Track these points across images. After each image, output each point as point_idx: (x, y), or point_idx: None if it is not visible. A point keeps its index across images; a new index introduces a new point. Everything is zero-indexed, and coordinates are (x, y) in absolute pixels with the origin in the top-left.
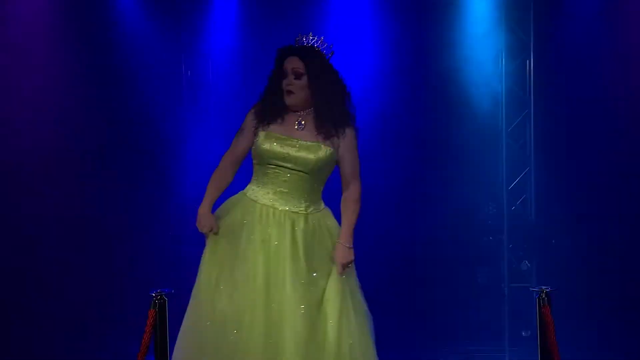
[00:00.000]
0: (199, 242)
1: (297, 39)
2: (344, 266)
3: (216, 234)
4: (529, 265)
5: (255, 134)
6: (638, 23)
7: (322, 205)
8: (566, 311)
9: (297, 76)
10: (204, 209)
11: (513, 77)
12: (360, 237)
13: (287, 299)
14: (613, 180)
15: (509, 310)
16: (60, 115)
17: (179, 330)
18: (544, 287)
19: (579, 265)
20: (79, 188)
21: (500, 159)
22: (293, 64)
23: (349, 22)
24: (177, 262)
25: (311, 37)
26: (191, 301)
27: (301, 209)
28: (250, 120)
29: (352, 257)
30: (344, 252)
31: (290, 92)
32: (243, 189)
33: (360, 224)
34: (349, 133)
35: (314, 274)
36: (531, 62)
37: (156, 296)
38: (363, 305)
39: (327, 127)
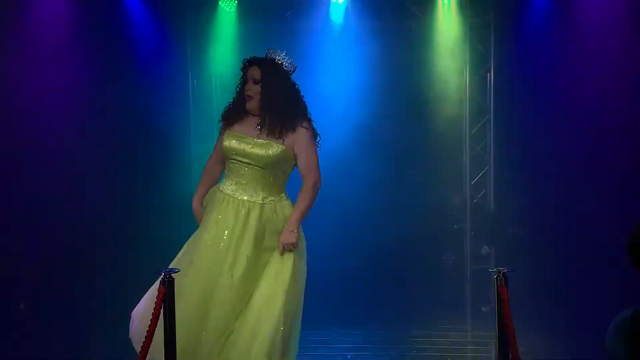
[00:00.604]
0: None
1: (267, 52)
2: (285, 246)
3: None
4: (488, 250)
5: (224, 134)
6: (582, 43)
7: (283, 196)
8: (520, 289)
9: (255, 82)
10: (194, 203)
11: (475, 88)
12: (347, 226)
13: (226, 270)
14: (561, 176)
15: (470, 288)
16: (79, 116)
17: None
18: (501, 269)
19: (532, 250)
20: (95, 180)
21: (464, 158)
22: (253, 72)
23: (336, 47)
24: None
25: (278, 53)
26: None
27: (258, 199)
28: (222, 124)
29: (293, 240)
30: (287, 234)
31: (249, 97)
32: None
33: (347, 215)
34: (301, 132)
35: (261, 253)
36: (491, 75)
37: (165, 275)
38: (297, 283)
39: (274, 128)
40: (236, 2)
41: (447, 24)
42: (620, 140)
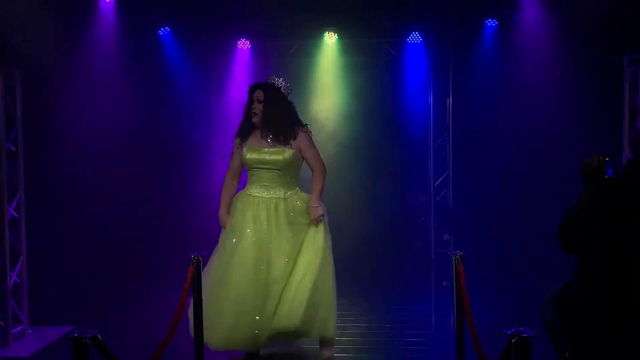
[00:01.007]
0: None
1: (268, 79)
2: (317, 219)
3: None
4: (448, 237)
5: (241, 151)
6: (525, 73)
7: (298, 190)
8: (473, 268)
9: (259, 102)
10: (221, 212)
11: (438, 110)
12: (336, 219)
13: (273, 255)
14: (506, 178)
15: (434, 268)
16: (127, 132)
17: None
18: (458, 252)
19: (482, 237)
20: (140, 181)
21: (429, 165)
22: (257, 94)
23: (329, 78)
24: (207, 234)
25: (275, 79)
26: (213, 256)
27: (280, 195)
28: (237, 143)
29: (321, 212)
30: (314, 210)
31: (255, 114)
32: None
33: (336, 211)
34: (302, 136)
35: (292, 236)
36: (450, 100)
37: (194, 257)
38: (330, 255)
39: (279, 137)
40: (250, 43)
41: (416, 59)
42: (556, 145)
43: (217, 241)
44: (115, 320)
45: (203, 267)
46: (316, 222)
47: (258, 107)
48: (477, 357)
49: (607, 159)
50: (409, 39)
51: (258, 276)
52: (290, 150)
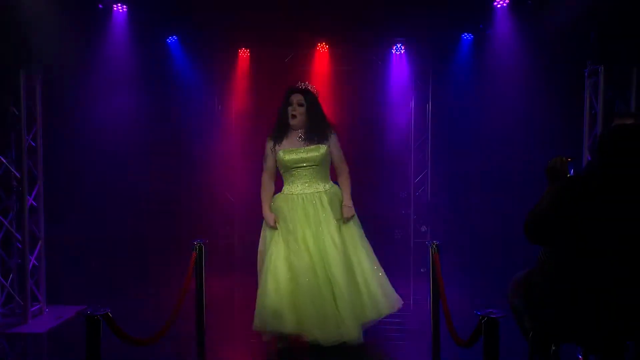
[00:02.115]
0: (221, 212)
1: (299, 84)
2: (348, 219)
3: (274, 227)
4: (426, 228)
5: (275, 154)
6: (497, 82)
7: (332, 184)
8: (448, 257)
9: (300, 105)
10: (266, 212)
11: (418, 114)
12: None
13: (328, 249)
14: (477, 176)
15: (413, 256)
16: (136, 130)
17: (212, 265)
18: (434, 242)
19: (456, 229)
20: (150, 177)
21: (410, 163)
22: (297, 97)
23: (321, 86)
24: (209, 224)
25: (306, 84)
26: (265, 265)
27: (321, 189)
28: (270, 146)
29: (353, 212)
30: (347, 210)
31: (294, 116)
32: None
33: None
34: (333, 137)
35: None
36: (430, 106)
37: (196, 244)
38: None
39: (319, 136)
40: (250, 52)
41: (399, 68)
42: (524, 146)
43: (218, 230)
44: (125, 301)
45: (205, 254)
46: (346, 220)
47: (299, 110)
48: (451, 336)
49: (569, 159)
50: (394, 50)
51: (317, 274)
52: (324, 146)
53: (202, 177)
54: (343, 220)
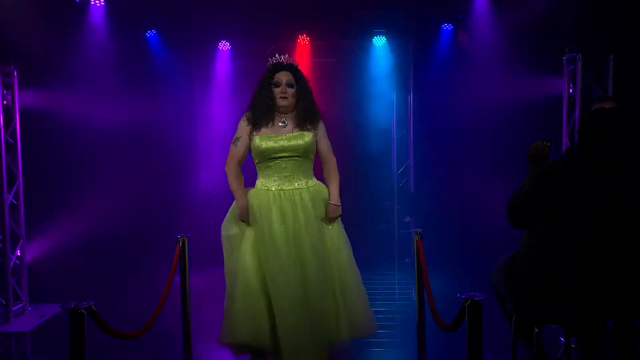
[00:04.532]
0: (206, 206)
1: (282, 57)
2: (333, 219)
3: (248, 223)
4: (409, 219)
5: (251, 139)
6: (477, 71)
7: (315, 180)
8: (432, 246)
9: (290, 86)
10: (241, 202)
11: (400, 106)
12: None
13: (307, 259)
14: (459, 167)
15: (397, 246)
16: (118, 125)
17: (195, 259)
18: (418, 229)
19: (438, 219)
20: (130, 172)
21: (392, 155)
22: (287, 77)
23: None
24: (192, 218)
25: (291, 58)
26: (235, 267)
27: (303, 185)
28: (244, 127)
29: (340, 212)
30: (334, 209)
31: (284, 98)
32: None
33: None
34: (321, 125)
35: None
36: (411, 96)
37: (181, 238)
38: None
39: (307, 122)
40: (230, 45)
41: (380, 60)
42: (504, 133)
43: (201, 223)
44: (109, 298)
45: (188, 247)
46: (332, 220)
47: (290, 92)
48: (435, 321)
49: (549, 143)
50: (374, 42)
51: (291, 277)
52: (310, 133)
53: (182, 171)
54: (326, 219)
